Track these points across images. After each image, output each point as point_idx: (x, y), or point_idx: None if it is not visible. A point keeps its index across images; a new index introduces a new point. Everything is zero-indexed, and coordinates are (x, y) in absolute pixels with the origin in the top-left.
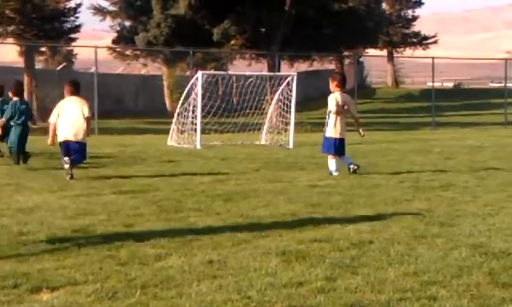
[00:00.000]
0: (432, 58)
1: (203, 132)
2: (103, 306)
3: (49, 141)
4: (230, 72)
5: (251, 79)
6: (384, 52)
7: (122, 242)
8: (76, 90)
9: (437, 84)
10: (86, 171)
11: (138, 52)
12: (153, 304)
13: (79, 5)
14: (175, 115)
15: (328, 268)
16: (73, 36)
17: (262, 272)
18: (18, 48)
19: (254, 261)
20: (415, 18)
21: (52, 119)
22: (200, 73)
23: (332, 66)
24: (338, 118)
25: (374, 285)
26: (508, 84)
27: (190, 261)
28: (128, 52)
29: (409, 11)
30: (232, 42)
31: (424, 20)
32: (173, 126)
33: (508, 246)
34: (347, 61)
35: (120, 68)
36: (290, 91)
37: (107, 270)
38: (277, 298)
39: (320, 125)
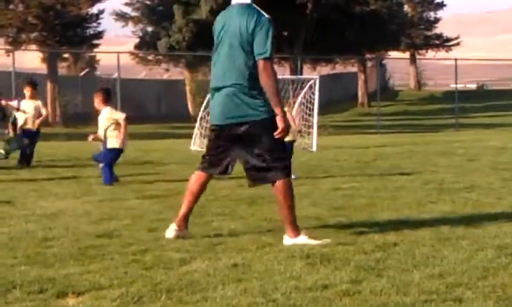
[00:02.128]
0: (455, 60)
1: None
2: None
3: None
4: None
5: None
6: (407, 55)
7: (147, 247)
8: (109, 99)
9: (460, 86)
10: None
11: (160, 57)
12: None
13: (101, 11)
14: (198, 119)
15: (353, 271)
16: (95, 42)
17: (286, 275)
18: (41, 54)
19: (279, 265)
20: (437, 20)
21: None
22: None
23: (355, 69)
24: None
25: (399, 287)
26: None
27: (215, 265)
28: (150, 57)
29: (431, 13)
30: None
31: (446, 22)
32: (195, 130)
33: None
34: (369, 64)
35: (142, 73)
36: (313, 94)
37: (132, 275)
38: (302, 301)
39: (344, 128)
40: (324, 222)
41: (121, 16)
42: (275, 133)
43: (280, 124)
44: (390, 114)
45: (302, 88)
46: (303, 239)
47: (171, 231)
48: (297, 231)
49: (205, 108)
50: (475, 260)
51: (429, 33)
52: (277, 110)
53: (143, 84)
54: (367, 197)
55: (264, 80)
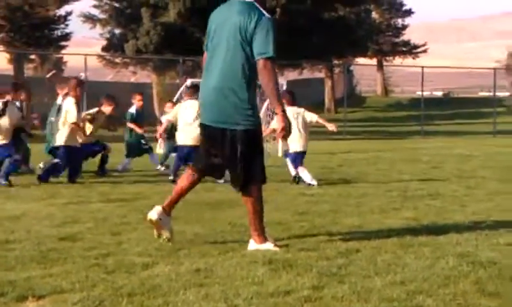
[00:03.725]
0: (422, 67)
1: None
2: None
3: None
4: None
5: None
6: (374, 61)
7: (109, 251)
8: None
9: (426, 93)
10: (78, 179)
11: (128, 60)
12: None
13: (69, 13)
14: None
15: (315, 276)
16: (63, 43)
17: (248, 280)
18: (7, 55)
19: (241, 270)
20: (404, 27)
21: None
22: (189, 81)
23: (322, 75)
24: None
25: (360, 294)
26: (497, 94)
27: (177, 270)
28: (117, 60)
29: (399, 20)
30: None
31: (414, 29)
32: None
33: (495, 255)
34: (336, 70)
35: (109, 75)
36: None
37: (93, 279)
38: None
39: (310, 133)
40: (288, 228)
41: (89, 18)
42: (277, 133)
43: (280, 124)
44: (357, 121)
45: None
46: (269, 246)
47: (154, 213)
48: (264, 238)
49: None
50: (436, 268)
51: (396, 40)
52: (277, 109)
53: (110, 86)
54: (330, 203)
55: (265, 80)
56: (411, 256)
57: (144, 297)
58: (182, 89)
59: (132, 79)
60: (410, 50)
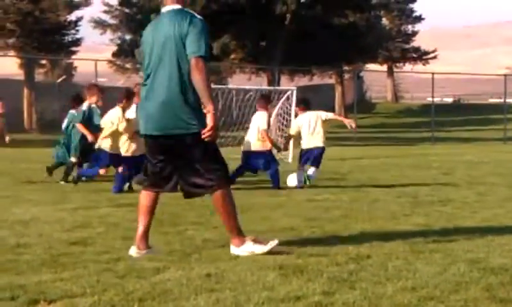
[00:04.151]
0: (432, 73)
1: None
2: None
3: None
4: (229, 86)
5: (250, 93)
6: (384, 67)
7: (120, 255)
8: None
9: (437, 99)
10: (85, 185)
11: (138, 66)
12: None
13: (79, 18)
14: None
15: (326, 282)
16: (73, 49)
17: (259, 285)
18: (18, 60)
19: (252, 275)
20: (414, 34)
21: None
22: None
23: (332, 81)
24: None
25: (371, 300)
26: (507, 100)
27: (188, 275)
28: (128, 66)
29: (409, 26)
30: (232, 56)
31: (424, 36)
32: None
33: (506, 262)
34: (347, 76)
35: (120, 81)
36: (290, 105)
37: (104, 283)
38: None
39: None
40: (298, 233)
41: (100, 24)
42: (203, 132)
43: (210, 122)
44: (367, 127)
45: (279, 99)
46: (248, 246)
47: (133, 250)
48: (241, 238)
49: None
50: (447, 274)
51: (406, 46)
52: (209, 108)
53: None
54: (341, 208)
55: (196, 78)
56: (422, 262)
57: (155, 302)
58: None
59: None
60: (420, 56)
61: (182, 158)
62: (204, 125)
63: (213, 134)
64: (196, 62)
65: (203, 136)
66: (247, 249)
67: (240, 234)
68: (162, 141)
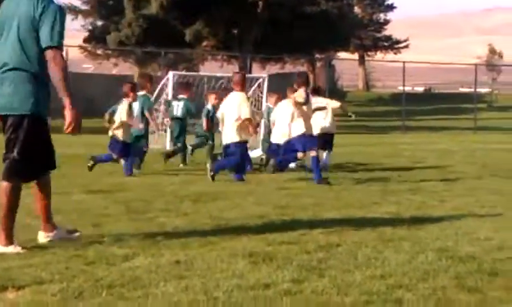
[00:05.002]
0: (403, 62)
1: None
2: (69, 305)
3: None
4: (201, 73)
5: (222, 81)
6: (356, 56)
7: (90, 242)
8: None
9: (408, 88)
10: (56, 170)
11: (110, 52)
12: (120, 304)
13: None
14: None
15: (295, 270)
16: None
17: (229, 273)
18: None
19: (221, 263)
20: (386, 22)
21: None
22: (170, 74)
23: (304, 69)
24: None
25: (340, 288)
26: (478, 89)
27: (157, 262)
28: (99, 52)
29: (381, 15)
30: (204, 43)
31: (396, 24)
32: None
33: (474, 250)
34: (318, 64)
35: (90, 67)
36: (262, 92)
37: (73, 270)
38: (243, 299)
39: None
40: (268, 221)
41: (71, 10)
42: (65, 128)
43: (68, 117)
44: (338, 115)
45: (251, 86)
46: (9, 250)
47: (41, 238)
48: (9, 240)
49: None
50: (416, 262)
51: (378, 35)
52: (65, 102)
53: (92, 78)
54: (312, 196)
55: (52, 70)
56: (391, 251)
57: (124, 289)
58: (163, 81)
59: (114, 71)
60: (392, 45)
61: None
62: (34, 109)
63: (73, 129)
64: (51, 55)
65: (65, 130)
66: (7, 251)
67: (10, 237)
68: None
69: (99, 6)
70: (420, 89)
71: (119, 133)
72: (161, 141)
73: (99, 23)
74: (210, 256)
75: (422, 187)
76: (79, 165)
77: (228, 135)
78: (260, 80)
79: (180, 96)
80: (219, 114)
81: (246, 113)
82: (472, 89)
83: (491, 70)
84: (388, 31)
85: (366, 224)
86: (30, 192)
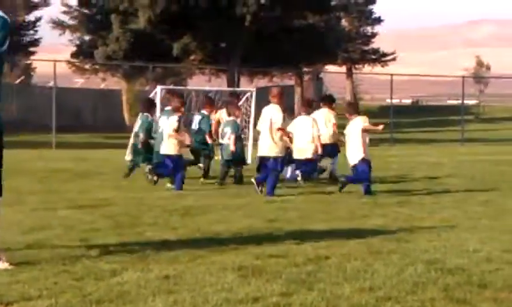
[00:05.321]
0: (391, 75)
1: None
2: None
3: None
4: (189, 87)
5: (210, 94)
6: (344, 69)
7: (78, 257)
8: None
9: (395, 101)
10: (43, 186)
11: (97, 67)
12: None
13: (38, 19)
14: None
15: (284, 283)
16: (32, 49)
17: (218, 287)
18: None
19: (210, 277)
20: (374, 35)
21: None
22: (158, 88)
23: (292, 82)
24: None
25: (329, 301)
26: (465, 101)
27: (146, 277)
28: (87, 66)
29: (369, 28)
30: (192, 57)
31: (384, 37)
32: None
33: (463, 262)
34: (306, 77)
35: (79, 82)
36: (249, 106)
37: (62, 285)
38: None
39: None
40: (257, 234)
41: (59, 25)
42: None
43: None
44: None
45: (239, 100)
46: None
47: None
48: None
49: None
50: (405, 274)
51: (366, 48)
52: None
53: (80, 93)
54: (300, 210)
55: None
56: (380, 263)
57: (113, 304)
58: (151, 95)
59: (102, 86)
60: (379, 58)
61: None
62: None
63: None
64: None
65: None
66: None
67: None
68: None
69: (86, 20)
70: (408, 101)
71: (172, 149)
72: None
73: (86, 38)
74: (199, 270)
75: (410, 200)
76: (65, 180)
77: (264, 147)
78: (248, 94)
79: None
80: (258, 127)
81: (277, 123)
82: (460, 101)
83: (479, 82)
84: (376, 43)
85: (355, 236)
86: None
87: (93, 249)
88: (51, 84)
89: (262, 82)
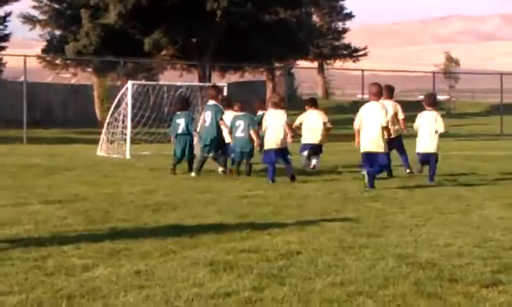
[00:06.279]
0: (362, 70)
1: (133, 142)
2: None
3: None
4: (160, 82)
5: (181, 89)
6: (315, 64)
7: (49, 253)
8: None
9: (366, 96)
10: (14, 181)
11: (68, 62)
12: None
13: (8, 14)
14: (105, 125)
15: (256, 278)
16: (2, 44)
17: (189, 282)
18: None
19: (182, 272)
20: (345, 31)
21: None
22: (129, 83)
23: (263, 78)
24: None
25: (301, 295)
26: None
27: (117, 272)
28: (58, 61)
29: (340, 24)
30: (163, 52)
31: (355, 33)
32: (102, 136)
33: (434, 257)
34: (278, 72)
35: (49, 77)
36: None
37: (33, 281)
38: None
39: None
40: (229, 229)
41: (29, 19)
42: None
43: None
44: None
45: (222, 94)
46: None
47: None
48: None
49: (112, 113)
50: (376, 269)
51: (337, 43)
52: None
53: (50, 88)
54: (272, 205)
55: None
56: (352, 258)
57: (84, 300)
58: (123, 91)
59: (73, 81)
60: (351, 53)
61: None
62: None
63: None
64: None
65: None
66: None
67: None
68: None
69: (57, 15)
70: None
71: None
72: (121, 150)
73: (57, 33)
74: (170, 266)
75: (382, 194)
76: (36, 176)
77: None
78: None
79: (211, 102)
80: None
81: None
82: None
83: (449, 78)
84: (347, 39)
85: (326, 231)
86: None
87: (65, 245)
88: (22, 79)
89: (234, 77)
